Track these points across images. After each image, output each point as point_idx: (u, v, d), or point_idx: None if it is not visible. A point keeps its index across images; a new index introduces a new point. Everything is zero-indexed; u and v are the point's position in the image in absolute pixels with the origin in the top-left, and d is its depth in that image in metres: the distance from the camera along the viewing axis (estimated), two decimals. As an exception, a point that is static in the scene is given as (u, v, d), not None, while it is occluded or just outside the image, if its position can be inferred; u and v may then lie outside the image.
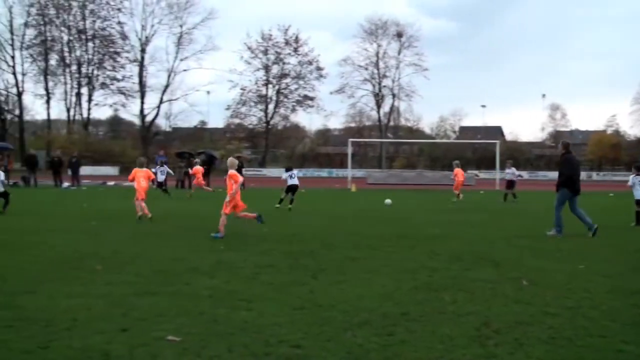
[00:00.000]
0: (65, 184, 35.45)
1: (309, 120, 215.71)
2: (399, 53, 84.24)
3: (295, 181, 21.02)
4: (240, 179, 13.35)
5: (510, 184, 27.86)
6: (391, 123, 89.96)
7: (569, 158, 13.99)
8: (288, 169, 21.81)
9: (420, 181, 47.56)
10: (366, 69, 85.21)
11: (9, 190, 18.60)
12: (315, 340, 5.52)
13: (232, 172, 13.16)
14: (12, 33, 72.90)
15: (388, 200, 19.13)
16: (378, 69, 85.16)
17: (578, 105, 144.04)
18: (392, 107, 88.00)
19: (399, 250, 11.30)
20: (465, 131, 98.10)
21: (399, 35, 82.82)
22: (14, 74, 74.14)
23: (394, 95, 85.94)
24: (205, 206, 21.23)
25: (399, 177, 51.12)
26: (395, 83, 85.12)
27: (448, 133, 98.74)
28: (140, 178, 16.44)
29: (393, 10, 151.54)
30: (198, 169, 29.43)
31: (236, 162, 13.64)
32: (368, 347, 5.37)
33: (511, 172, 28.03)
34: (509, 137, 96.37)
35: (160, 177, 30.89)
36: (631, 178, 16.99)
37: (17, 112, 78.03)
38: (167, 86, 75.34)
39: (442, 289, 7.73)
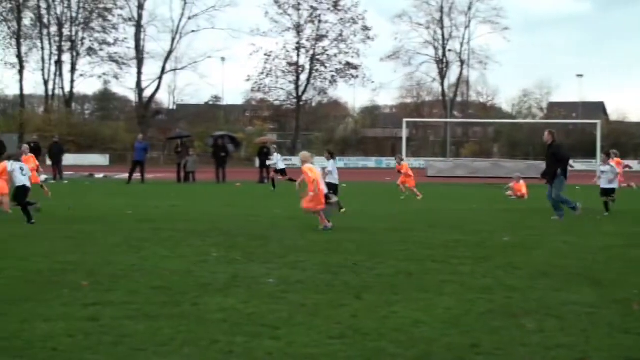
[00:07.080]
0: (43, 177, 35.83)
1: (352, 95, 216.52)
2: (470, 8, 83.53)
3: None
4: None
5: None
6: (459, 98, 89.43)
7: (561, 145, 18.70)
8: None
9: (497, 173, 46.89)
10: (427, 27, 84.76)
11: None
12: (360, 378, 5.52)
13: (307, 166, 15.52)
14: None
15: None
16: (442, 28, 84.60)
17: None
18: (459, 78, 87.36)
19: (467, 263, 11.19)
20: (555, 108, 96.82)
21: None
22: (-23, 37, 75.57)
23: (462, 63, 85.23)
24: (218, 204, 21.35)
25: (468, 168, 50.82)
26: (465, 47, 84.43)
27: (533, 111, 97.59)
28: None
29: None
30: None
31: (308, 155, 16.06)
32: (427, 389, 5.36)
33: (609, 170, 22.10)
34: (613, 116, 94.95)
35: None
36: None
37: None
38: (170, 52, 75.99)
39: (523, 314, 7.65)
